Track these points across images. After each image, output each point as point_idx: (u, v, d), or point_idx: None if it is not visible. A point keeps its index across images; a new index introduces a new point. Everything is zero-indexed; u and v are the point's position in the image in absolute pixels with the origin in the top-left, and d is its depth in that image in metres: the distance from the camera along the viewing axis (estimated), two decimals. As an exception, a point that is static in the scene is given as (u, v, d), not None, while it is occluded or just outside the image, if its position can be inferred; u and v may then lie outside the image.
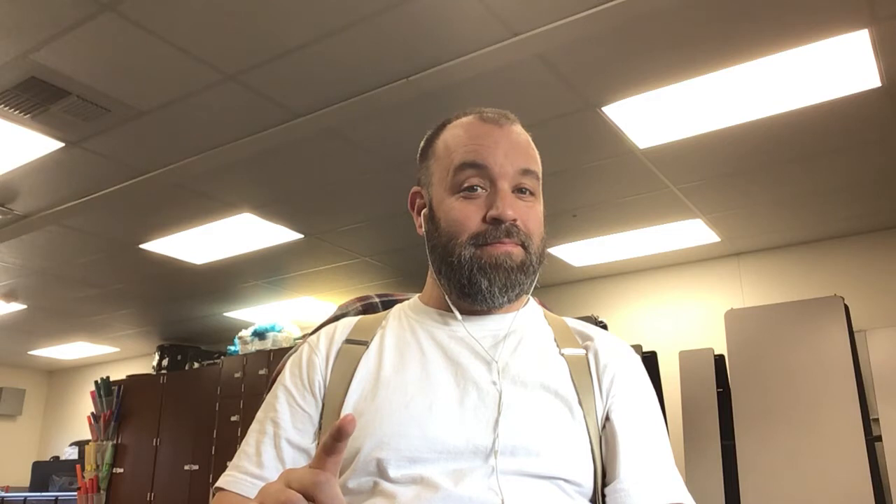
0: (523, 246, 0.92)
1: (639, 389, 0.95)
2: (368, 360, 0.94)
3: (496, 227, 0.91)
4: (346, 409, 0.89)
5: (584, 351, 0.96)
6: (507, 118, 0.99)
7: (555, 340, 0.97)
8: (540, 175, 0.98)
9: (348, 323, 1.01)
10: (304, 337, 1.04)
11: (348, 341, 0.97)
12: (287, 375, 0.96)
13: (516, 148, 0.95)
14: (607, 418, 0.90)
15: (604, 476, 0.88)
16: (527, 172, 0.94)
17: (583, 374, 0.93)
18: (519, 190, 0.94)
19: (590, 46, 2.64)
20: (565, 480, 0.84)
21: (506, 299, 0.93)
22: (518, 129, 0.98)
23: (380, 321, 1.00)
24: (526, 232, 0.93)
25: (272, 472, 0.88)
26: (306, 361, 0.96)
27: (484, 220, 0.91)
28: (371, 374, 0.92)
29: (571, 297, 5.38)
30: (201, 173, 3.65)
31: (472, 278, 0.91)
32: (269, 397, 0.96)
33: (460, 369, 0.90)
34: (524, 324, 0.98)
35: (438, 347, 0.93)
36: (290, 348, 1.07)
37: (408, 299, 1.07)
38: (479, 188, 0.93)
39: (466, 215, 0.92)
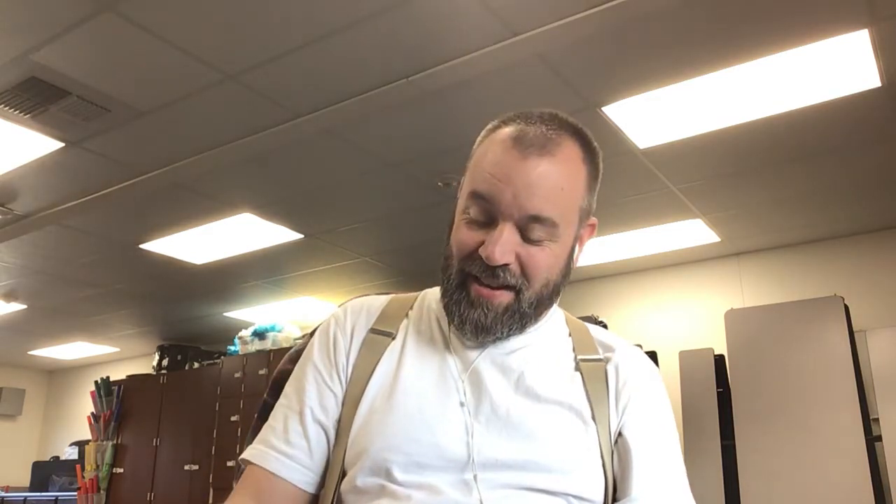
0: (516, 290, 0.87)
1: (656, 406, 0.94)
2: (391, 356, 0.93)
3: (483, 262, 0.86)
4: (364, 404, 0.89)
5: (603, 362, 0.95)
6: (541, 149, 0.87)
7: (573, 350, 0.96)
8: (562, 219, 0.87)
9: (376, 307, 0.99)
10: (304, 337, 1.04)
11: (374, 331, 0.96)
12: (315, 352, 0.96)
13: (532, 189, 0.85)
14: (620, 434, 0.90)
15: (615, 491, 0.87)
16: (536, 219, 0.85)
17: (599, 387, 0.92)
18: (526, 234, 0.87)
19: (590, 46, 2.64)
20: (576, 497, 0.84)
21: (478, 341, 0.90)
22: (546, 165, 0.86)
23: (405, 310, 0.99)
24: (521, 275, 0.87)
25: (298, 450, 0.89)
26: (333, 341, 0.95)
27: (477, 250, 0.87)
28: (391, 370, 0.92)
29: (571, 297, 5.37)
30: (201, 173, 3.65)
31: (448, 307, 0.90)
32: (297, 371, 0.96)
33: (477, 379, 0.90)
34: (544, 334, 0.96)
35: (457, 354, 0.92)
36: (290, 348, 1.07)
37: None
38: (482, 220, 0.87)
39: (464, 241, 0.88)
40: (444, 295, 0.91)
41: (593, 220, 0.96)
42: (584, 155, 0.92)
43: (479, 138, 0.94)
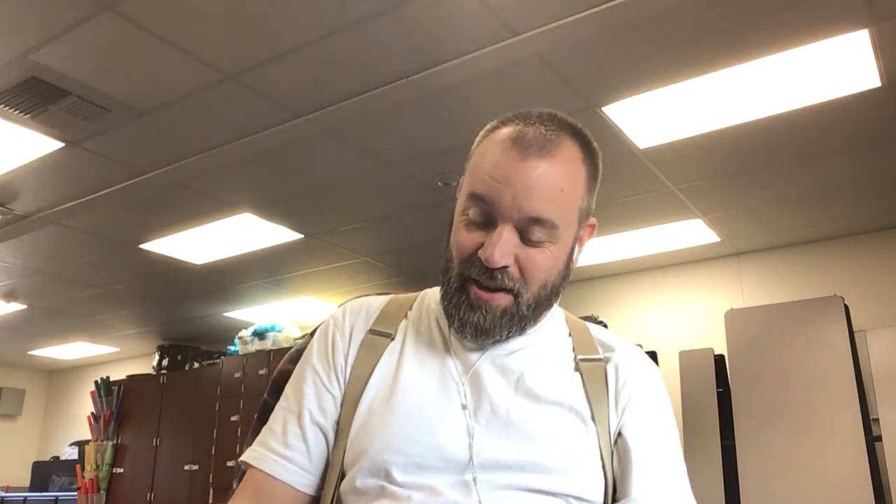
0: (514, 293, 0.87)
1: (656, 406, 0.93)
2: (391, 357, 0.93)
3: (482, 264, 0.86)
4: (363, 405, 0.89)
5: (603, 362, 0.94)
6: (541, 150, 0.86)
7: (573, 350, 0.96)
8: (562, 220, 0.87)
9: (375, 308, 0.99)
10: (304, 337, 1.04)
11: (373, 331, 0.96)
12: (314, 354, 0.96)
13: (531, 190, 0.84)
14: (620, 434, 0.89)
15: (614, 492, 0.87)
16: (535, 221, 0.85)
17: (599, 387, 0.91)
18: (526, 235, 0.86)
19: (590, 46, 2.64)
20: (576, 497, 0.84)
21: (478, 343, 0.90)
22: (546, 166, 0.85)
23: (405, 310, 0.99)
24: (520, 277, 0.87)
25: (296, 452, 0.90)
26: (331, 342, 0.95)
27: (476, 252, 0.86)
28: (391, 371, 0.92)
29: (571, 297, 5.37)
30: (201, 173, 3.65)
31: (448, 309, 0.90)
32: (296, 373, 0.96)
33: (477, 380, 0.90)
34: (544, 334, 0.95)
35: (458, 356, 0.92)
36: (290, 348, 1.07)
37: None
38: (481, 221, 0.87)
39: (463, 243, 0.88)
40: (443, 297, 0.91)
41: (593, 220, 0.95)
42: (584, 155, 0.91)
43: (477, 139, 0.94)
